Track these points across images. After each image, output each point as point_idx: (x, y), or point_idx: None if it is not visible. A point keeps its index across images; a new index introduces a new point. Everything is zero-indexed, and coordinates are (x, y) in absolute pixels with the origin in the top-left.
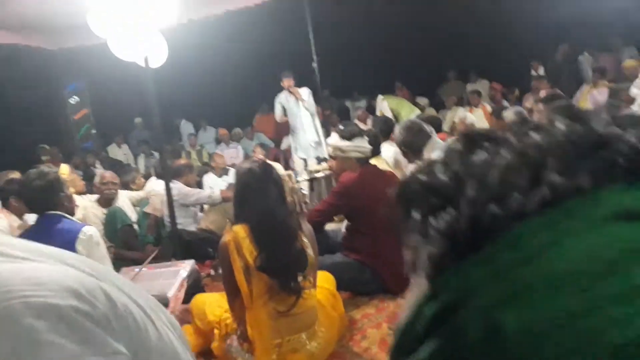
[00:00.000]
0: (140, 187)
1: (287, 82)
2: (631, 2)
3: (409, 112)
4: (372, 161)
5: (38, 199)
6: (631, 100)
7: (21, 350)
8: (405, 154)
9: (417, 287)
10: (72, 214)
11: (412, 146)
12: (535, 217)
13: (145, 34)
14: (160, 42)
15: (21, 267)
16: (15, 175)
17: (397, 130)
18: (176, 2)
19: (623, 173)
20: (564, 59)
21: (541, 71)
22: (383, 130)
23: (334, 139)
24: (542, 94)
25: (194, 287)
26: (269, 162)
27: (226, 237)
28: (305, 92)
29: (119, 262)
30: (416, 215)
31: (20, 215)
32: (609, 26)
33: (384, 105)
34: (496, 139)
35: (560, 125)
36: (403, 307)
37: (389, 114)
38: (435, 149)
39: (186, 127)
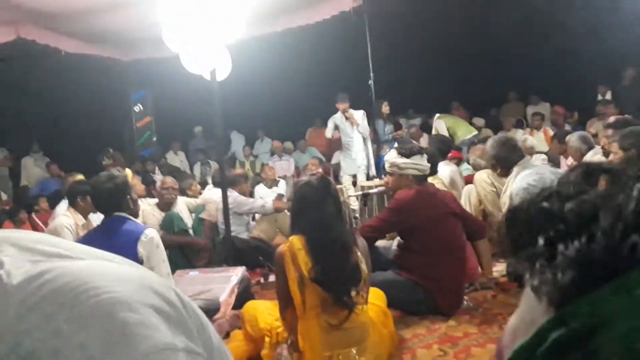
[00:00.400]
0: (195, 194)
1: (342, 105)
2: None
3: (465, 132)
4: (429, 180)
5: (107, 200)
6: None
7: (114, 342)
8: (493, 168)
9: (530, 311)
10: (136, 216)
11: (505, 162)
12: None
13: (214, 48)
14: (226, 56)
15: (97, 264)
16: (79, 177)
17: (489, 144)
18: (242, 18)
19: None
20: (631, 84)
21: (608, 95)
22: (440, 150)
23: (392, 155)
24: (611, 119)
25: (244, 293)
26: (327, 177)
27: (282, 247)
28: (359, 115)
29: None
30: (541, 241)
31: (85, 215)
32: None
33: (441, 124)
34: (616, 173)
35: None
36: (507, 328)
37: (445, 133)
38: (526, 168)
39: (236, 138)
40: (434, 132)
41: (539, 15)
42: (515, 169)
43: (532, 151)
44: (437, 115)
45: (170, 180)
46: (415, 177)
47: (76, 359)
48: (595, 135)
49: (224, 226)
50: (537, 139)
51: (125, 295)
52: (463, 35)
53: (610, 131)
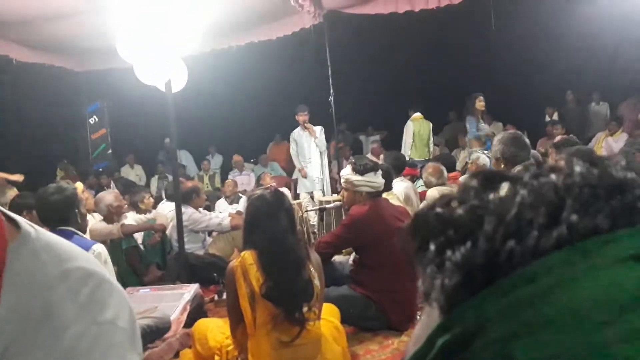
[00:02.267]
0: (148, 207)
1: (302, 116)
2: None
3: (421, 154)
4: (384, 196)
5: (54, 213)
6: None
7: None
8: (497, 163)
9: (428, 318)
10: (84, 231)
11: (512, 158)
12: (552, 254)
13: (169, 59)
14: (181, 68)
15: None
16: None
17: (496, 140)
18: (200, 31)
19: (639, 216)
20: (575, 106)
21: (555, 116)
22: (395, 166)
23: (347, 171)
24: (558, 139)
25: (196, 311)
26: (281, 190)
27: (234, 262)
28: (317, 130)
29: (121, 283)
30: (432, 246)
31: None
32: (623, 73)
33: (409, 127)
34: (512, 179)
35: (578, 168)
36: (411, 337)
37: (409, 137)
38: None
39: (184, 155)
40: (404, 135)
41: (493, 40)
42: (517, 170)
43: (484, 169)
44: (414, 115)
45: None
46: (369, 194)
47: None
48: (544, 154)
49: (177, 243)
50: (489, 157)
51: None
52: (420, 54)
53: (554, 150)
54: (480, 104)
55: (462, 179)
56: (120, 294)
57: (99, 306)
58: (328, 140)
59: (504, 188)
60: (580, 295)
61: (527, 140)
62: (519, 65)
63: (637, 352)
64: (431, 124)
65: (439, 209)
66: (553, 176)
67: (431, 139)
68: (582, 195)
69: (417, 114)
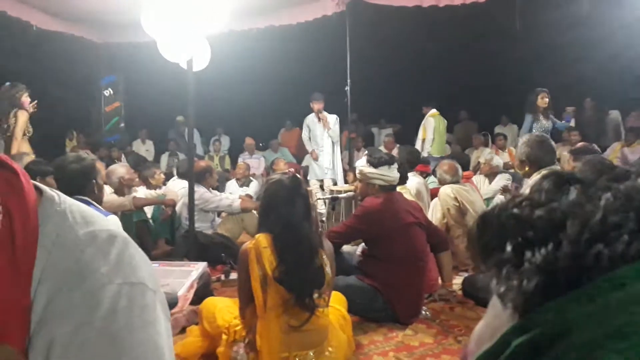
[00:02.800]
0: (159, 183)
1: (316, 105)
2: None
3: (439, 151)
4: (399, 189)
5: (71, 182)
6: None
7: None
8: (521, 166)
9: (495, 319)
10: (100, 202)
11: (536, 162)
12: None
13: (193, 38)
14: (205, 47)
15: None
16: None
17: (522, 142)
18: (225, 11)
19: None
20: (592, 113)
21: (572, 123)
22: (409, 161)
23: (362, 162)
24: (578, 145)
25: (203, 289)
26: (298, 176)
27: (248, 244)
28: (332, 120)
29: None
30: (509, 247)
31: None
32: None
33: (430, 122)
34: (585, 182)
35: None
36: (472, 336)
37: (430, 133)
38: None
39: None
40: (420, 128)
41: (515, 42)
42: (540, 175)
43: (497, 170)
44: (432, 111)
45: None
46: (382, 187)
47: None
48: (558, 160)
49: (187, 221)
50: (502, 159)
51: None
52: (440, 51)
53: (571, 156)
54: (542, 100)
55: (474, 179)
56: (145, 258)
57: (129, 267)
58: (341, 130)
59: (576, 191)
60: None
61: (553, 144)
62: (539, 68)
63: None
64: (446, 121)
65: (515, 210)
66: (633, 182)
67: (445, 137)
68: None
69: (434, 110)
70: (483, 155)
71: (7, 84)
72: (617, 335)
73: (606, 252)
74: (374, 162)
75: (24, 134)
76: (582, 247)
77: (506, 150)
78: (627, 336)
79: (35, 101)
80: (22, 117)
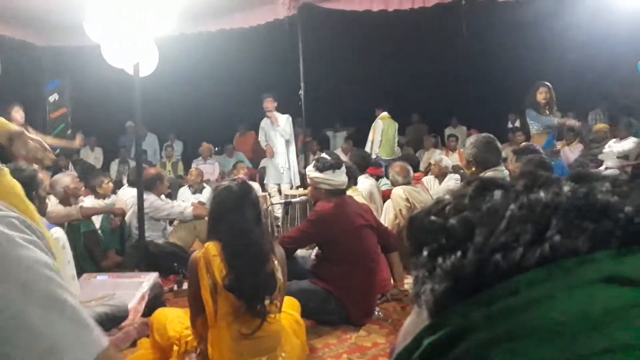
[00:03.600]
0: (107, 192)
1: (267, 103)
2: (596, 66)
3: (389, 153)
4: (349, 192)
5: None
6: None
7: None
8: (468, 166)
9: (417, 317)
10: (43, 214)
11: (483, 162)
12: (534, 270)
13: (139, 42)
14: (152, 51)
15: None
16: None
17: (470, 141)
18: (173, 14)
19: (617, 240)
20: None
21: (517, 123)
22: (359, 165)
23: (309, 168)
24: (523, 145)
25: (155, 300)
26: (248, 182)
27: (197, 253)
28: (283, 119)
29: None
30: (425, 252)
31: None
32: (575, 87)
33: (379, 125)
34: (506, 188)
35: (566, 188)
36: (400, 332)
37: (378, 135)
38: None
39: (150, 140)
40: (371, 131)
41: (462, 46)
42: (486, 175)
43: (446, 170)
44: (382, 114)
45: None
46: (328, 191)
47: None
48: (505, 159)
49: (137, 230)
50: (452, 160)
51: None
52: (390, 54)
53: (514, 156)
54: (540, 95)
55: (424, 180)
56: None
57: None
58: (296, 133)
59: (497, 197)
60: (556, 309)
61: (499, 145)
62: (485, 71)
63: None
64: (397, 124)
65: (433, 217)
66: (542, 193)
67: (396, 139)
68: (567, 216)
69: (385, 113)
70: (433, 156)
71: None
72: (509, 337)
73: (503, 262)
74: (320, 167)
75: None
76: (485, 255)
77: (456, 152)
78: (517, 338)
79: None
80: None
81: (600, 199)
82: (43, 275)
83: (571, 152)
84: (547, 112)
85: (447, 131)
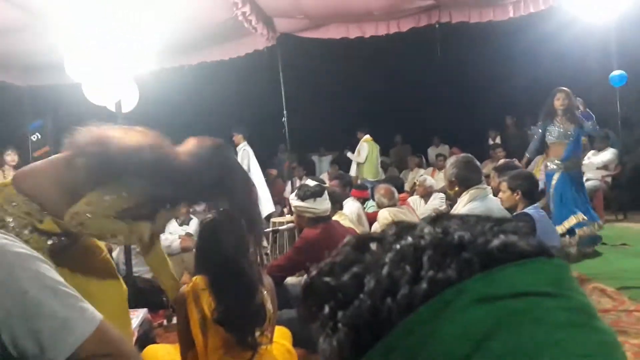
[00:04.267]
0: None
1: (235, 138)
2: (569, 80)
3: (374, 174)
4: (335, 217)
5: None
6: None
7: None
8: (451, 186)
9: None
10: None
11: (465, 181)
12: (422, 307)
13: (119, 79)
14: (132, 88)
15: None
16: None
17: (450, 162)
18: (152, 50)
19: (478, 265)
20: (514, 130)
21: (498, 140)
22: (346, 188)
23: (292, 196)
24: (501, 162)
25: (144, 337)
26: (231, 213)
27: (185, 288)
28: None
29: None
30: (326, 309)
31: None
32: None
33: (364, 147)
34: (379, 239)
35: (426, 230)
36: None
37: (364, 155)
38: (477, 198)
39: None
40: (355, 152)
41: (440, 67)
42: (469, 193)
43: (431, 190)
44: (366, 137)
45: None
46: (311, 219)
47: None
48: (487, 176)
49: (125, 265)
50: (437, 179)
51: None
52: (370, 79)
53: (495, 173)
54: (558, 101)
55: (410, 200)
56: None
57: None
58: (281, 160)
59: (375, 248)
60: (445, 337)
61: (478, 164)
62: (464, 90)
63: None
64: (378, 146)
65: (326, 278)
66: (409, 238)
67: (379, 160)
68: (434, 254)
69: (368, 136)
70: (417, 176)
71: None
72: None
73: (394, 304)
74: (301, 195)
75: None
76: (377, 300)
77: (443, 170)
78: None
79: None
80: None
81: (455, 235)
82: (48, 268)
83: None
84: (566, 119)
85: (431, 150)
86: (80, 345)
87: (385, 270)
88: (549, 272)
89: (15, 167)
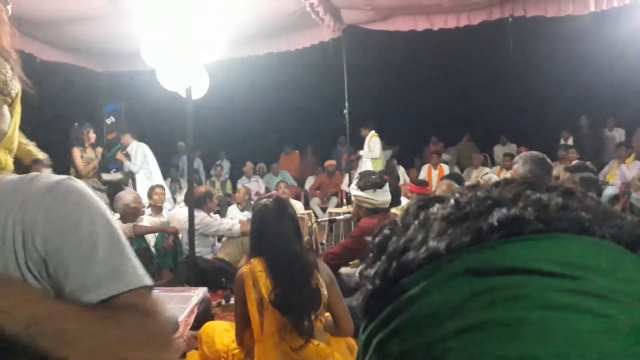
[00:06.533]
0: (159, 202)
1: (123, 140)
2: None
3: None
4: (394, 210)
5: None
6: None
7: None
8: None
9: None
10: None
11: (540, 179)
12: (419, 271)
13: (191, 67)
14: (203, 76)
15: None
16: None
17: (523, 160)
18: (223, 39)
19: (471, 239)
20: (589, 131)
21: (570, 141)
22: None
23: (352, 186)
24: (574, 163)
25: (204, 314)
26: (284, 198)
27: (244, 269)
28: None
29: None
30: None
31: None
32: (624, 99)
33: (376, 142)
34: (420, 207)
35: (451, 201)
36: None
37: (377, 150)
38: None
39: (197, 162)
40: (365, 147)
41: (511, 62)
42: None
43: None
44: (371, 132)
45: (133, 200)
46: (369, 210)
47: None
48: (557, 177)
49: (187, 246)
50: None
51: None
52: (437, 72)
53: (567, 174)
54: None
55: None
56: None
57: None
58: (341, 153)
59: (410, 213)
60: (430, 301)
61: (551, 163)
62: (535, 88)
63: (469, 343)
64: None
65: (373, 237)
66: (433, 209)
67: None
68: (441, 224)
69: (373, 132)
70: (482, 174)
71: (76, 124)
72: (395, 332)
73: (396, 267)
74: (361, 186)
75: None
76: (390, 261)
77: (512, 170)
78: (405, 329)
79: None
80: (75, 154)
81: (463, 208)
82: (113, 220)
83: (628, 170)
84: None
85: (497, 149)
86: (125, 293)
87: (407, 235)
88: (560, 249)
89: (94, 146)
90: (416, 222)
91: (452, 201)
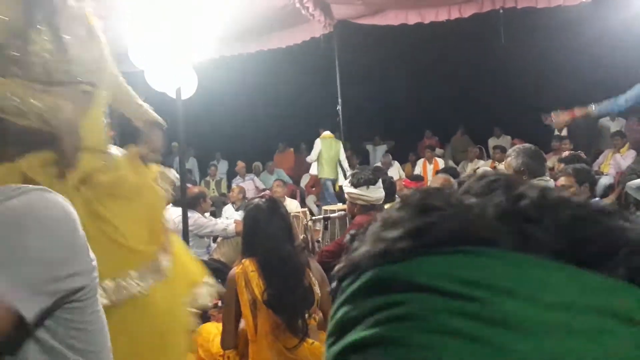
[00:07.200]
0: None
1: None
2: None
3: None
4: (387, 206)
5: None
6: None
7: None
8: (520, 174)
9: None
10: None
11: (534, 172)
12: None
13: (180, 67)
14: (191, 75)
15: None
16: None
17: (515, 152)
18: (212, 38)
19: (382, 253)
20: (583, 122)
21: (564, 132)
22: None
23: (345, 183)
24: (566, 154)
25: (199, 316)
26: (276, 198)
27: (236, 270)
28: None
29: None
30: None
31: None
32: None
33: (317, 144)
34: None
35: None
36: None
37: (314, 153)
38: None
39: (191, 162)
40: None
41: (503, 54)
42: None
43: None
44: (323, 134)
45: None
46: (363, 207)
47: None
48: (551, 169)
49: None
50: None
51: None
52: (429, 66)
53: (562, 165)
54: None
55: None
56: None
57: None
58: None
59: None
60: (344, 314)
61: (544, 155)
62: (528, 79)
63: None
64: (341, 143)
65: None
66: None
67: (338, 158)
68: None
69: (327, 133)
70: (476, 167)
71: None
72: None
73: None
74: (354, 183)
75: None
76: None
77: (503, 162)
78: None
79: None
80: None
81: (390, 218)
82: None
83: (623, 159)
84: None
85: (491, 141)
86: None
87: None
88: (471, 267)
89: None
90: (363, 231)
91: (395, 206)
